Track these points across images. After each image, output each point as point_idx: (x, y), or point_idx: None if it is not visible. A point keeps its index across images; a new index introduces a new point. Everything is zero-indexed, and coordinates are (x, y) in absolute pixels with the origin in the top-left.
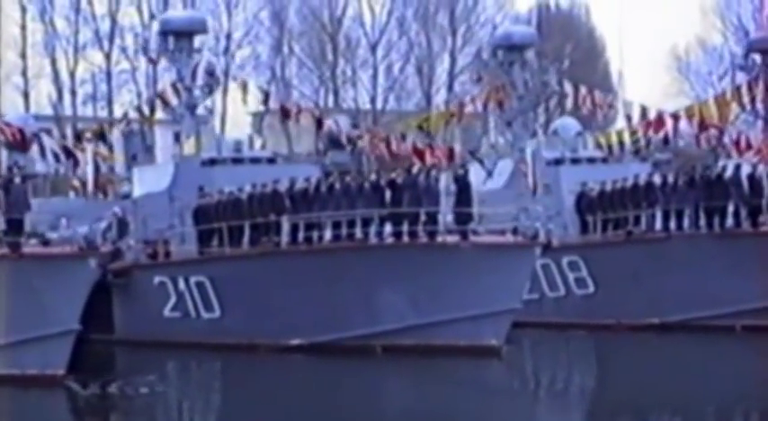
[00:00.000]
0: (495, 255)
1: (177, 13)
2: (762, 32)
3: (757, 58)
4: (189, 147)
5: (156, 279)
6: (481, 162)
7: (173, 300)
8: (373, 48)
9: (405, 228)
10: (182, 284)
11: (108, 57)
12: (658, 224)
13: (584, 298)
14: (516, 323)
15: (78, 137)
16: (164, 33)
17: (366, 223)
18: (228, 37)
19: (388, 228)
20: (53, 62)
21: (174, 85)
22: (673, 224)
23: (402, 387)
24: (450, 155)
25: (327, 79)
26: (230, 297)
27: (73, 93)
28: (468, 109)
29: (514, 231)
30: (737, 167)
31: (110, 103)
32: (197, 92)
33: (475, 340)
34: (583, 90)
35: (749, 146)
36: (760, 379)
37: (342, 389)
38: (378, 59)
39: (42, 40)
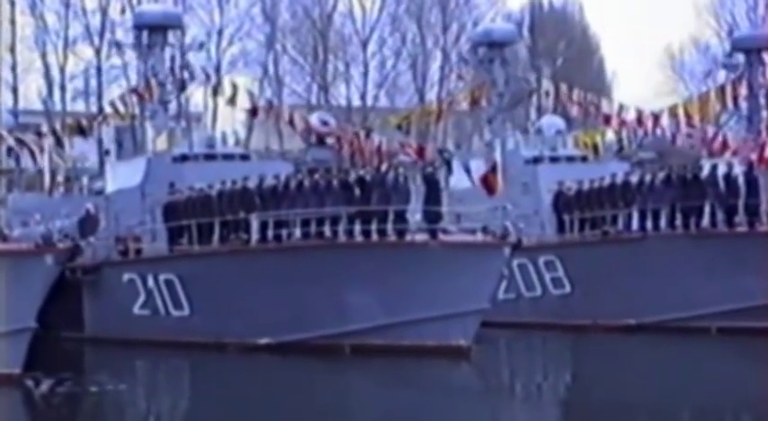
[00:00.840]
0: (463, 255)
1: (151, 6)
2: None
3: (741, 56)
4: (161, 142)
5: (126, 276)
6: (448, 162)
7: (142, 297)
8: (364, 44)
9: (374, 226)
10: (150, 282)
11: (98, 52)
12: (635, 224)
13: (560, 298)
14: (493, 323)
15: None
16: (137, 27)
17: (335, 221)
18: (220, 33)
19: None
20: (43, 57)
21: (147, 81)
22: (649, 224)
23: (369, 388)
24: (421, 152)
25: (319, 76)
26: (199, 295)
27: (62, 88)
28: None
29: (484, 230)
30: (714, 167)
31: (100, 98)
32: (169, 87)
33: (443, 340)
34: (563, 87)
35: (725, 145)
36: (733, 382)
37: (308, 389)
38: (368, 56)
39: (33, 34)
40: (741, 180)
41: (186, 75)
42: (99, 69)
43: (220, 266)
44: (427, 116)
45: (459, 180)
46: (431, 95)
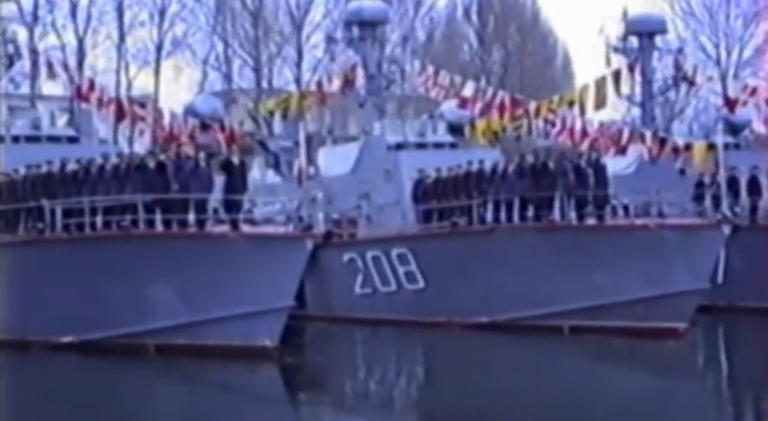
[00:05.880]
0: (265, 248)
1: None
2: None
3: (635, 40)
4: None
5: None
6: (264, 146)
7: None
8: (298, 27)
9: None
10: None
11: None
12: (489, 215)
13: (414, 293)
14: (352, 319)
15: None
16: None
17: (136, 209)
18: (162, 13)
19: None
20: None
21: None
22: (503, 216)
23: (170, 391)
24: (232, 137)
25: (257, 60)
26: None
27: None
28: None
29: (290, 221)
30: (562, 155)
31: None
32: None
33: (248, 340)
34: (429, 69)
35: (585, 134)
36: (581, 383)
37: (107, 392)
38: (303, 39)
39: None
40: (590, 170)
41: (12, 50)
42: None
43: (18, 258)
44: (304, 100)
45: (329, 167)
46: None
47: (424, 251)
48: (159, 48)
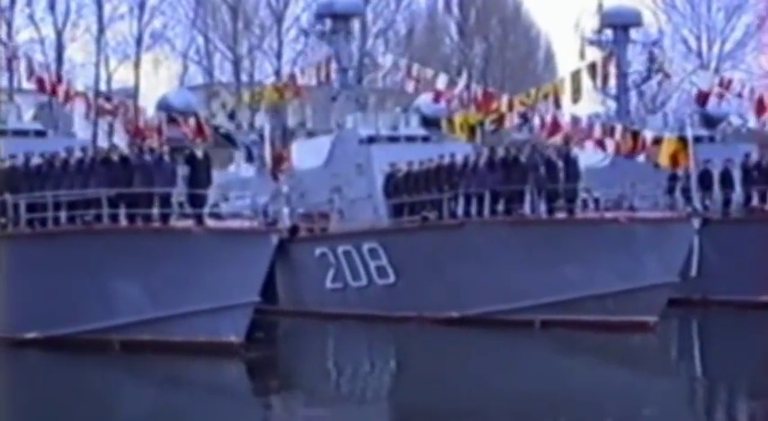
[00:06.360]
0: (229, 243)
1: None
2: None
3: (610, 33)
4: None
5: None
6: (231, 140)
7: None
8: (279, 19)
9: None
10: None
11: None
12: (460, 209)
13: (385, 288)
14: (324, 314)
15: None
16: None
17: (100, 204)
18: (142, 6)
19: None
20: None
21: None
22: (474, 209)
23: (135, 388)
24: (199, 131)
25: (236, 53)
26: None
27: None
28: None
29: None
30: (533, 148)
31: None
32: None
33: (213, 336)
34: (401, 62)
35: (557, 128)
36: (553, 379)
37: (70, 389)
38: (283, 31)
39: None
40: (560, 163)
41: None
42: None
43: None
44: (278, 93)
45: (302, 161)
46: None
47: (394, 245)
48: (139, 41)
